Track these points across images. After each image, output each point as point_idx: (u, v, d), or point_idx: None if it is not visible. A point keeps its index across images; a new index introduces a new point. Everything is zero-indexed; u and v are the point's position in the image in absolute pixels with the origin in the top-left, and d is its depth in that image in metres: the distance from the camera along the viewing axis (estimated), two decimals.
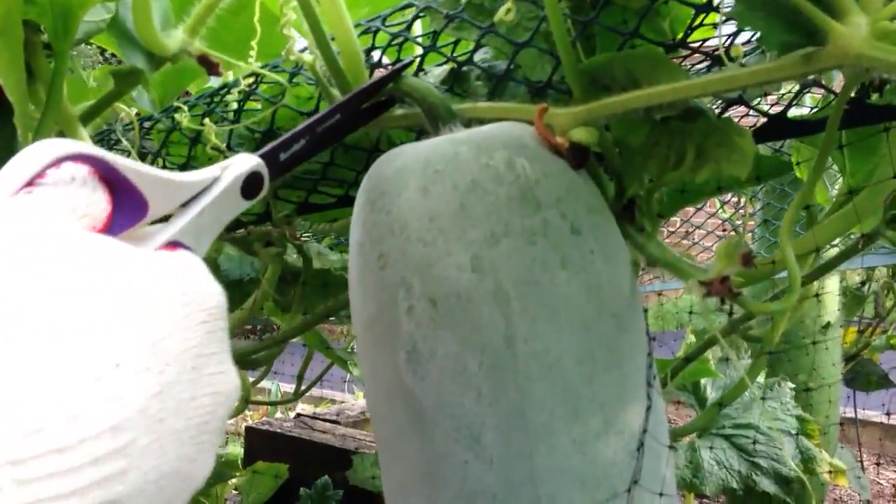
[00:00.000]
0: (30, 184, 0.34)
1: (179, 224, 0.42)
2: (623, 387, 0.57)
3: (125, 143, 0.83)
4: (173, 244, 0.41)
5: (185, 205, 0.43)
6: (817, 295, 0.77)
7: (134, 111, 0.90)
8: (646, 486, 0.56)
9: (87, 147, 0.36)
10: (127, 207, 0.39)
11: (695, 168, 0.58)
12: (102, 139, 0.93)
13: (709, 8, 0.53)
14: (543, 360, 0.54)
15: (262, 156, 0.49)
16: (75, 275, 0.31)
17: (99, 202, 0.37)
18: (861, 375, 1.96)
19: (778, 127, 0.58)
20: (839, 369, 1.58)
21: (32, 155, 0.35)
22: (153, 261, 0.35)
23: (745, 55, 0.55)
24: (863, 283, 1.86)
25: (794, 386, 1.35)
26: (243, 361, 0.87)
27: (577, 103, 0.58)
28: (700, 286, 0.54)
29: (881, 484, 3.54)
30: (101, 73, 1.04)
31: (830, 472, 1.25)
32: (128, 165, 0.38)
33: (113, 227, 0.37)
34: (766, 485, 1.20)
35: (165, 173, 0.41)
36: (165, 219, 0.43)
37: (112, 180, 0.38)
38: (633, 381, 0.58)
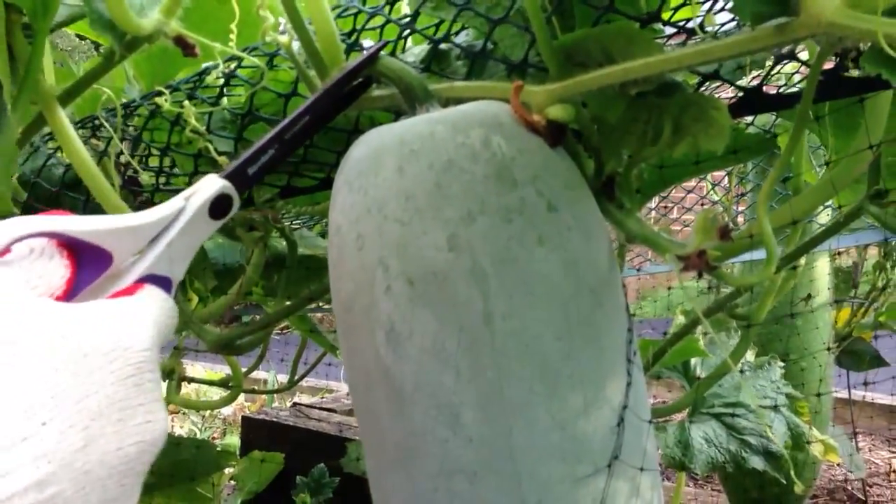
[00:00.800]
0: None
1: (150, 258, 0.46)
2: (602, 362, 0.57)
3: (108, 128, 0.83)
4: (145, 279, 0.45)
5: (156, 238, 0.47)
6: (795, 266, 0.76)
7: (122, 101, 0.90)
8: (627, 461, 0.57)
9: (43, 221, 0.41)
10: (90, 263, 0.43)
11: (672, 143, 0.58)
12: (86, 124, 0.93)
13: None
14: (521, 337, 0.54)
15: (227, 176, 0.52)
16: (4, 343, 0.35)
17: (56, 268, 0.41)
18: (853, 355, 1.97)
19: (755, 101, 0.58)
20: (830, 349, 1.58)
21: None
22: (83, 321, 0.39)
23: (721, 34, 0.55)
24: (855, 264, 1.86)
25: (783, 364, 1.36)
26: (228, 347, 0.88)
27: (553, 80, 0.58)
28: (678, 260, 0.54)
29: (876, 463, 3.56)
30: (91, 64, 1.04)
31: (809, 441, 1.26)
32: (85, 228, 0.42)
33: (78, 283, 0.42)
34: (756, 462, 1.21)
35: (128, 219, 0.45)
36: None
37: (72, 244, 0.42)
38: (613, 356, 0.58)
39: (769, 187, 0.54)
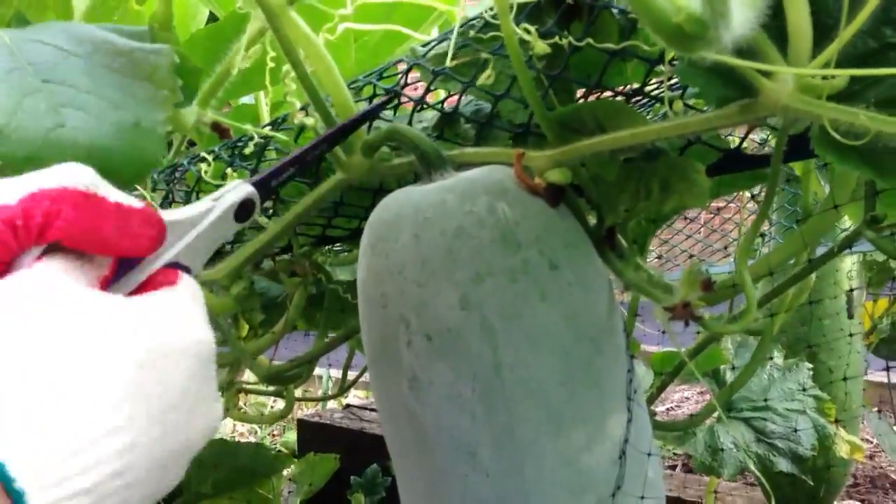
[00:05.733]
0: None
1: (179, 247, 0.50)
2: (602, 403, 0.63)
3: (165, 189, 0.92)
4: (172, 265, 0.49)
5: (184, 232, 0.51)
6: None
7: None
8: (629, 491, 0.63)
9: None
10: None
11: (661, 200, 0.64)
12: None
13: (660, 61, 0.59)
14: (528, 384, 0.60)
15: (255, 184, 0.56)
16: (84, 341, 0.37)
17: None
18: (892, 343, 1.98)
19: (733, 161, 0.63)
20: (857, 346, 1.61)
21: None
22: (151, 317, 0.41)
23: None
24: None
25: (811, 366, 1.40)
26: (279, 380, 0.96)
27: (552, 146, 0.64)
28: (664, 311, 0.60)
29: None
30: None
31: (835, 442, 1.29)
32: None
33: (119, 271, 0.45)
34: (784, 465, 1.25)
35: (164, 214, 0.48)
36: None
37: None
38: (613, 397, 0.64)
39: (748, 243, 0.60)
